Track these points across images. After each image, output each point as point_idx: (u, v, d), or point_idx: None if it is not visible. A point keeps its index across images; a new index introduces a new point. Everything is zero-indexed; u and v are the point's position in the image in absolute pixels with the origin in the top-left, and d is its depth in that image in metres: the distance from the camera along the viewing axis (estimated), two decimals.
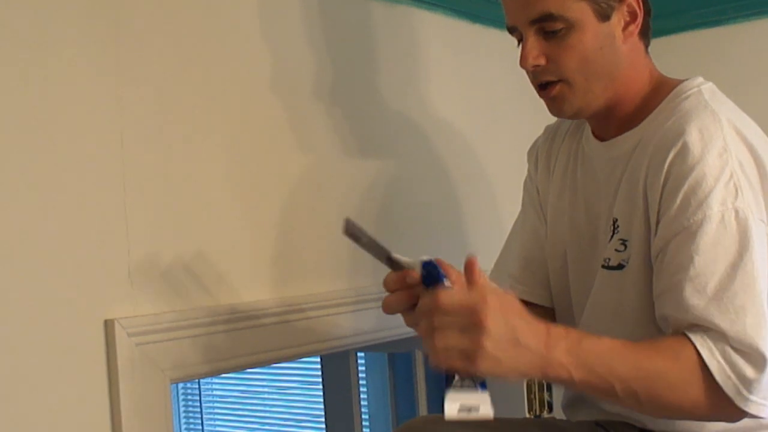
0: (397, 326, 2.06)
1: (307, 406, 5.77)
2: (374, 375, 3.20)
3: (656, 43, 2.48)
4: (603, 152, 1.57)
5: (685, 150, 1.38)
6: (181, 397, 6.30)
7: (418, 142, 2.20)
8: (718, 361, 1.29)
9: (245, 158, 1.77)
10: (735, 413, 1.31)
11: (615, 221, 1.49)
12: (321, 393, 3.27)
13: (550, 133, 1.76)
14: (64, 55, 1.48)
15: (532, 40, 1.47)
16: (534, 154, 1.79)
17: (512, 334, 1.21)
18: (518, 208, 1.85)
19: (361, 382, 3.08)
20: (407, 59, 2.19)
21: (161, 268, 1.60)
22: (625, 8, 1.47)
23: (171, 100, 1.64)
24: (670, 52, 2.69)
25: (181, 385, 6.06)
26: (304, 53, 1.91)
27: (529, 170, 1.80)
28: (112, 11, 1.55)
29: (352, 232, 1.27)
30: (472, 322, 1.19)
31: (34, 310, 1.41)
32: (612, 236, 1.49)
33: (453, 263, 2.24)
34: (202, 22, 1.71)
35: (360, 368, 3.12)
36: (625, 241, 1.47)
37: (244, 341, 1.71)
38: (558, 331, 1.28)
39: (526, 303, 1.76)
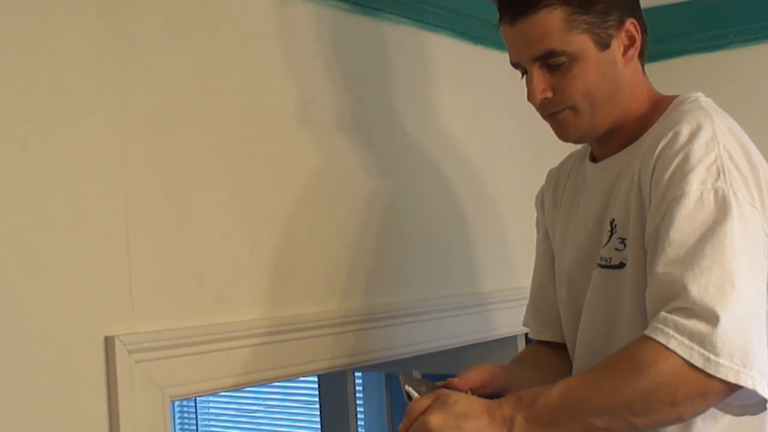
0: (395, 346, 2.08)
1: (304, 425, 5.75)
2: (371, 394, 3.20)
3: (657, 66, 2.49)
4: (601, 171, 1.59)
5: (673, 139, 1.40)
6: (177, 415, 6.29)
7: (420, 161, 2.21)
8: (674, 337, 1.28)
9: (247, 177, 1.77)
10: (714, 386, 1.28)
11: (612, 221, 1.51)
12: (318, 412, 3.27)
13: (553, 176, 1.80)
14: (67, 69, 1.48)
15: (538, 75, 1.50)
16: (540, 199, 1.83)
17: None
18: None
19: (358, 401, 3.07)
20: (410, 79, 2.20)
21: (162, 285, 1.60)
22: (623, 34, 1.51)
23: (174, 116, 1.64)
24: (671, 76, 2.71)
25: (177, 402, 6.05)
26: (307, 73, 1.92)
27: (537, 216, 1.84)
28: (118, 24, 1.55)
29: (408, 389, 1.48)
30: None
31: (35, 326, 1.41)
32: (611, 236, 1.51)
33: (461, 282, 2.27)
34: (208, 37, 1.72)
35: (357, 387, 3.11)
36: (624, 239, 1.48)
37: (244, 360, 1.71)
38: (509, 405, 1.35)
39: (540, 341, 1.79)
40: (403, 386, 1.48)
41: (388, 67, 2.15)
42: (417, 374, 1.55)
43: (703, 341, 1.26)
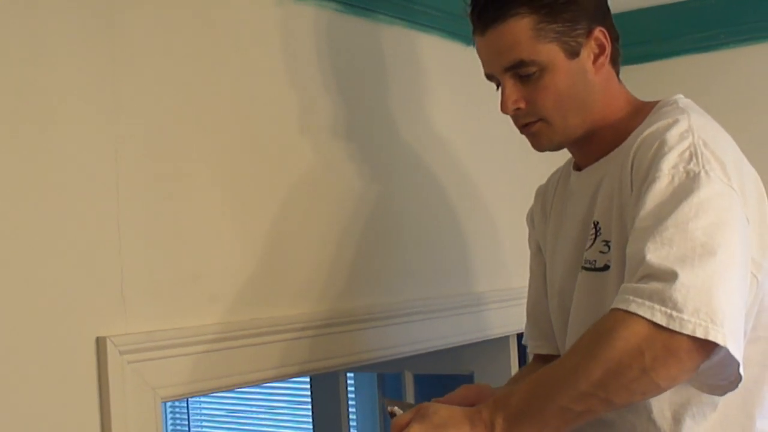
0: (387, 347, 2.08)
1: (296, 425, 5.75)
2: (363, 395, 3.20)
3: (648, 68, 2.50)
4: (585, 178, 1.60)
5: (649, 135, 1.41)
6: (169, 415, 6.28)
7: (412, 162, 2.21)
8: (634, 301, 1.24)
9: (240, 178, 1.77)
10: (682, 343, 1.22)
11: (596, 224, 1.51)
12: (310, 412, 3.27)
13: (540, 192, 1.81)
14: (58, 69, 1.48)
15: (510, 86, 1.53)
16: (530, 216, 1.84)
17: None
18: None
19: (350, 402, 3.08)
20: (403, 79, 2.20)
21: (154, 286, 1.59)
22: (593, 42, 1.52)
23: (166, 117, 1.64)
24: (662, 77, 2.72)
25: (169, 403, 6.04)
26: (298, 74, 1.92)
27: (528, 232, 1.85)
28: (110, 25, 1.55)
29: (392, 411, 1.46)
30: None
31: (26, 327, 1.41)
32: (595, 238, 1.51)
33: (454, 282, 2.26)
34: (201, 34, 1.71)
35: (349, 388, 3.12)
36: (608, 242, 1.48)
37: (236, 360, 1.71)
38: (488, 409, 1.33)
39: (539, 355, 1.78)
40: (387, 408, 1.47)
41: (381, 67, 2.15)
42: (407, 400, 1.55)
43: (663, 299, 1.22)
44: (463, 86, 2.38)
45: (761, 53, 2.69)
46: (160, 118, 1.63)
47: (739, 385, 1.28)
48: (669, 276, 1.23)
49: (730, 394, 1.33)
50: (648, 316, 1.22)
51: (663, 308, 1.22)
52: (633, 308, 1.24)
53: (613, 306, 1.27)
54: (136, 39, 1.60)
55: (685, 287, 1.22)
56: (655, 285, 1.24)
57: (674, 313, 1.21)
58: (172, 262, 1.63)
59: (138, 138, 1.59)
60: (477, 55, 1.59)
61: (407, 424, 1.35)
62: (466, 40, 2.36)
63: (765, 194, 1.44)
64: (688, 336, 1.21)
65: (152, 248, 1.60)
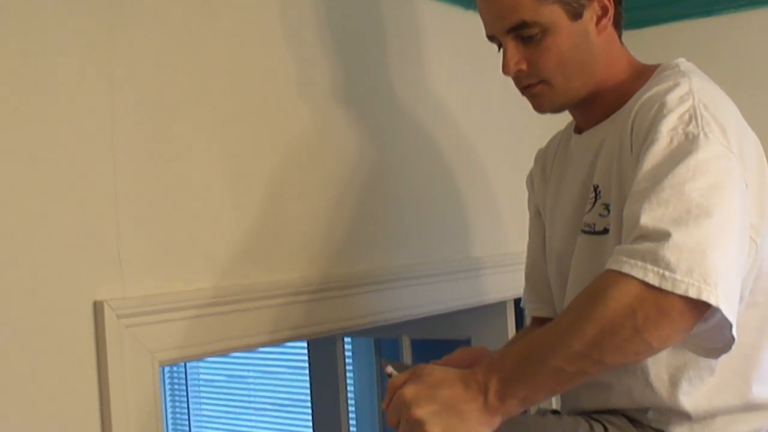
0: (385, 311, 2.08)
1: (294, 390, 5.78)
2: (361, 360, 3.21)
3: (646, 33, 2.48)
4: (585, 141, 1.60)
5: (650, 98, 1.40)
6: (168, 381, 6.31)
7: (411, 127, 2.20)
8: (627, 261, 1.23)
9: (236, 142, 1.76)
10: (674, 303, 1.21)
11: (596, 187, 1.51)
12: (307, 377, 3.28)
13: (540, 155, 1.81)
14: (55, 32, 1.47)
15: (512, 47, 1.52)
16: (529, 179, 1.84)
17: (446, 404, 1.29)
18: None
19: (347, 367, 3.09)
20: (402, 45, 2.19)
21: (151, 250, 1.59)
22: (596, 4, 1.51)
23: (163, 80, 1.63)
24: (664, 41, 2.71)
25: (167, 368, 6.06)
26: (297, 39, 1.91)
27: (528, 196, 1.85)
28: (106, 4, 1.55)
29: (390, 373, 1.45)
30: (407, 420, 1.30)
31: (23, 291, 1.41)
32: (594, 202, 1.51)
33: (451, 247, 2.26)
34: (195, 13, 1.70)
35: (347, 353, 3.13)
36: (608, 205, 1.48)
37: (233, 325, 1.71)
38: (482, 371, 1.31)
39: (537, 318, 1.78)
40: (384, 368, 1.48)
41: (380, 31, 2.13)
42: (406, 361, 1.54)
43: (656, 259, 1.21)
44: (463, 50, 2.37)
45: (764, 18, 2.67)
46: (156, 81, 1.62)
47: (737, 350, 1.28)
48: (662, 236, 1.22)
49: (727, 359, 1.33)
50: (640, 276, 1.21)
51: (656, 268, 1.21)
52: (626, 269, 1.23)
53: (607, 267, 1.26)
54: (133, 15, 1.58)
55: (678, 247, 1.21)
56: (648, 245, 1.23)
57: (667, 273, 1.20)
58: (168, 226, 1.63)
59: (134, 102, 1.58)
60: (476, 19, 1.58)
61: (402, 385, 1.36)
62: (466, 4, 2.35)
63: (765, 160, 1.43)
64: (681, 296, 1.20)
65: (149, 213, 1.59)
